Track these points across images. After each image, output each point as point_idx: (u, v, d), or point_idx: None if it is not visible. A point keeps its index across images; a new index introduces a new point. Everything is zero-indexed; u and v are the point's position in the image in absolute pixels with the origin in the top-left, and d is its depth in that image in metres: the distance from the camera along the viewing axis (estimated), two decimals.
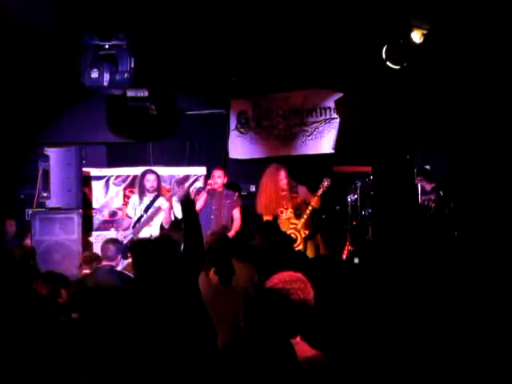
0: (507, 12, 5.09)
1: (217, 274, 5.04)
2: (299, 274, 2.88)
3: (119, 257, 5.93)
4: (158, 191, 7.71)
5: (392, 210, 6.51)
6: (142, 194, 7.66)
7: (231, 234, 7.36)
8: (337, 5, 5.32)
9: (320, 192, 7.14)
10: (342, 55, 6.10)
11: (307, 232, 7.27)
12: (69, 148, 7.53)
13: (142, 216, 7.53)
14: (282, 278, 2.84)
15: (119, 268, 6.34)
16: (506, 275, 4.88)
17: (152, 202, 7.58)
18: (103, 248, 5.88)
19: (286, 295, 2.77)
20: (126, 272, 5.87)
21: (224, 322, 4.47)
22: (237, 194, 7.94)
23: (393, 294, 4.78)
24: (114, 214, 8.52)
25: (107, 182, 8.58)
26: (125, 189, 8.56)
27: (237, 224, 7.68)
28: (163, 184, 8.31)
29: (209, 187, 7.65)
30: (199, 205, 7.58)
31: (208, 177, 8.67)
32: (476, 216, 6.54)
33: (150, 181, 7.62)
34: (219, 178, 7.73)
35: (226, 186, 7.88)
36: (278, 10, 5.43)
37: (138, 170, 8.12)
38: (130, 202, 7.84)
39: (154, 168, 8.54)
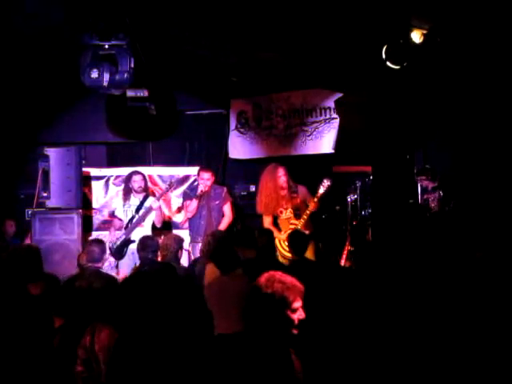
0: (507, 12, 5.09)
1: (215, 263, 5.17)
2: (279, 274, 2.91)
3: (105, 257, 5.91)
4: (146, 191, 7.82)
5: (392, 209, 6.50)
6: (127, 196, 7.75)
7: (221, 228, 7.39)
8: (337, 5, 5.32)
9: (320, 193, 7.12)
10: (342, 55, 6.10)
11: (307, 232, 7.27)
12: (69, 148, 7.53)
13: (133, 217, 7.56)
14: (265, 277, 2.89)
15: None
16: (506, 275, 4.88)
17: (142, 203, 7.64)
18: (88, 251, 5.86)
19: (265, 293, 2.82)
20: (113, 274, 5.83)
21: (229, 308, 4.61)
22: (225, 189, 7.81)
23: (393, 294, 4.78)
24: (113, 213, 8.50)
25: (107, 181, 8.58)
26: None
27: (226, 220, 7.64)
28: (162, 184, 8.36)
29: (200, 193, 7.50)
30: (191, 211, 7.52)
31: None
32: (476, 215, 6.54)
33: (137, 181, 7.70)
34: (208, 180, 7.55)
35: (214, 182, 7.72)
36: (278, 11, 5.43)
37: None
38: (118, 204, 7.92)
39: (154, 168, 8.57)
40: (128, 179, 7.81)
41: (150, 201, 7.64)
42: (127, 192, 7.77)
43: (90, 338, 3.47)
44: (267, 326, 2.81)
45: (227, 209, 7.67)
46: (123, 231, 7.52)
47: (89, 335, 3.48)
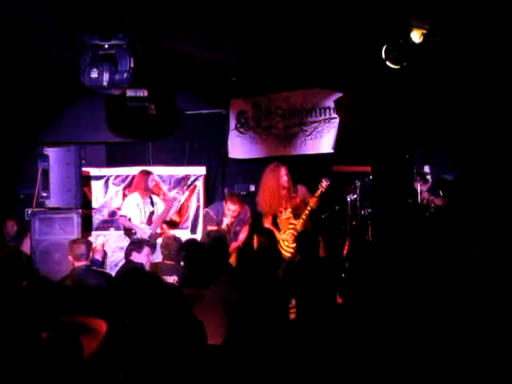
0: (507, 12, 5.10)
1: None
2: None
3: (91, 254, 5.89)
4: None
5: (391, 209, 6.51)
6: (144, 193, 7.77)
7: (234, 245, 7.30)
8: (337, 5, 5.33)
9: (319, 192, 7.14)
10: (342, 55, 6.11)
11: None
12: (68, 148, 7.52)
13: (152, 212, 7.65)
14: None
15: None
16: (506, 275, 4.89)
17: (151, 200, 7.76)
18: (73, 248, 5.82)
19: None
20: (104, 270, 5.79)
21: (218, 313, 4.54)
22: (248, 214, 7.53)
23: (392, 294, 4.78)
24: (113, 213, 8.52)
25: (107, 181, 8.60)
26: (124, 189, 8.57)
27: (242, 237, 7.44)
28: (163, 184, 8.39)
29: (226, 227, 7.23)
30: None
31: (207, 177, 8.68)
32: (476, 215, 6.55)
33: (154, 180, 7.92)
34: (235, 212, 7.30)
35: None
36: (278, 10, 5.43)
37: (137, 170, 8.14)
38: (129, 203, 7.87)
39: (154, 168, 8.59)
40: (147, 176, 7.82)
41: (157, 199, 7.80)
42: (146, 189, 7.78)
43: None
44: None
45: (243, 233, 7.47)
46: (150, 226, 7.56)
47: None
